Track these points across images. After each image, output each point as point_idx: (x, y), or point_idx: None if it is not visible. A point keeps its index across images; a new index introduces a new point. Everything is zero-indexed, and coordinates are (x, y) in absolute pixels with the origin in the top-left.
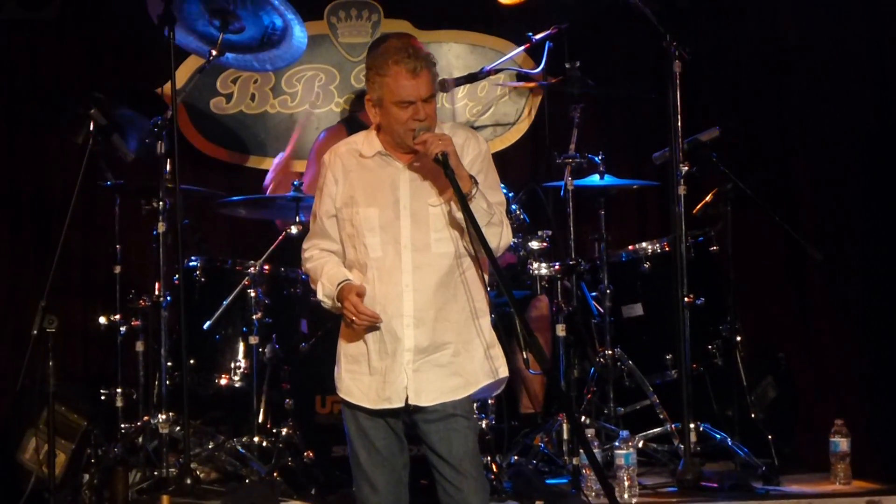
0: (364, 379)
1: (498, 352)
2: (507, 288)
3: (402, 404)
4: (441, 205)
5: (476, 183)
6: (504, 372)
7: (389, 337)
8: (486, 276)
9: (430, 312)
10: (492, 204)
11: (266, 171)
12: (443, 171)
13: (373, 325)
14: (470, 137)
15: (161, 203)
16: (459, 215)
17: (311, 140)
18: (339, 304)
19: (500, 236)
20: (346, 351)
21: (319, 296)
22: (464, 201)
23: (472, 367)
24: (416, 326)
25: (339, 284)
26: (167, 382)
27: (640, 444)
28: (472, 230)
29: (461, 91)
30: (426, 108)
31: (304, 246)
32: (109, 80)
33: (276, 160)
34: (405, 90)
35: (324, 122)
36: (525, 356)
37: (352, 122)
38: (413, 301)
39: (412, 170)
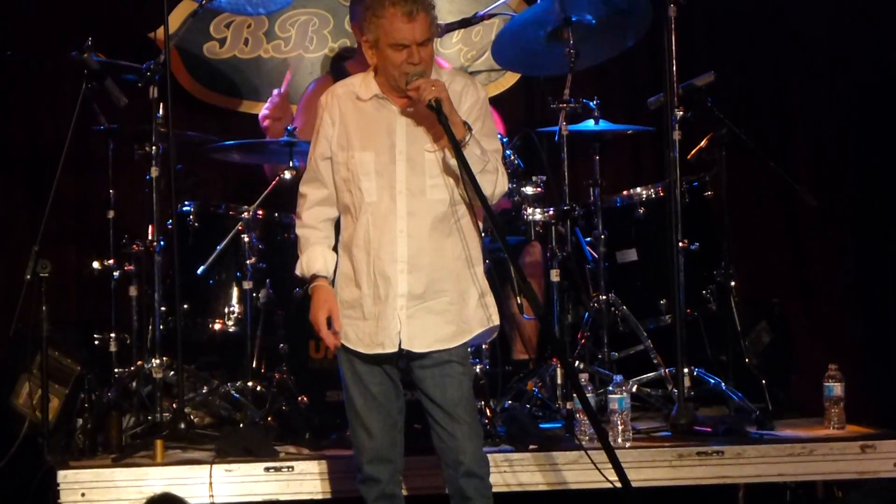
0: (359, 324)
1: (491, 300)
2: (501, 234)
3: (395, 349)
4: (437, 151)
5: (470, 129)
6: (496, 319)
7: (383, 282)
8: (480, 224)
9: (425, 258)
10: (486, 151)
11: (258, 116)
12: (431, 111)
13: (366, 271)
14: (469, 84)
15: (154, 148)
16: (454, 162)
17: (303, 84)
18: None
19: (494, 184)
20: (342, 296)
21: (297, 272)
22: (457, 148)
23: (467, 314)
24: (409, 272)
25: (312, 276)
26: (161, 327)
27: (634, 389)
28: (466, 177)
29: (455, 36)
30: (421, 51)
31: (301, 189)
32: (102, 25)
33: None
34: (400, 33)
35: (317, 67)
36: (519, 301)
37: (339, 71)
38: (407, 247)
39: (408, 115)
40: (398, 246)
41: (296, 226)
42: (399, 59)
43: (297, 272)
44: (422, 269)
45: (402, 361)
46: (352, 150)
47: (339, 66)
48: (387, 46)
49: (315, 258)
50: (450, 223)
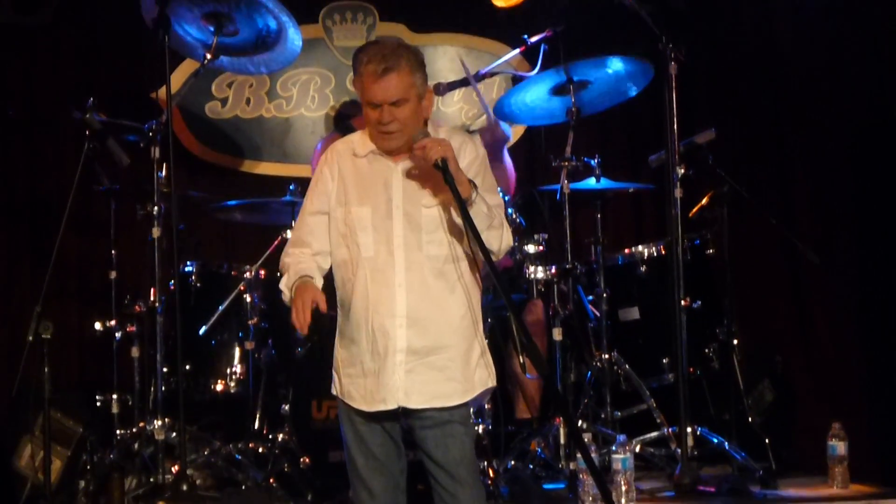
0: (360, 381)
1: (489, 359)
2: (505, 292)
3: (396, 405)
4: (435, 206)
5: (475, 187)
6: (494, 381)
7: (381, 336)
8: (480, 281)
9: (424, 313)
10: (491, 207)
11: (261, 176)
12: (438, 174)
13: (364, 326)
14: (466, 141)
15: (156, 208)
16: (457, 219)
17: (304, 143)
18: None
19: (501, 239)
20: (341, 355)
21: (281, 285)
22: (463, 208)
23: (468, 373)
24: (408, 327)
25: (301, 277)
26: (163, 388)
27: (637, 448)
28: (471, 235)
29: (456, 95)
30: (394, 112)
31: (286, 250)
32: (104, 85)
33: None
34: (371, 92)
35: (319, 126)
36: (522, 360)
37: (345, 129)
38: (406, 301)
39: (406, 169)
40: (396, 300)
41: (282, 259)
42: (373, 118)
43: (282, 286)
44: (421, 324)
45: (405, 421)
46: (349, 206)
47: (344, 124)
48: (365, 104)
49: (306, 267)
50: (452, 279)
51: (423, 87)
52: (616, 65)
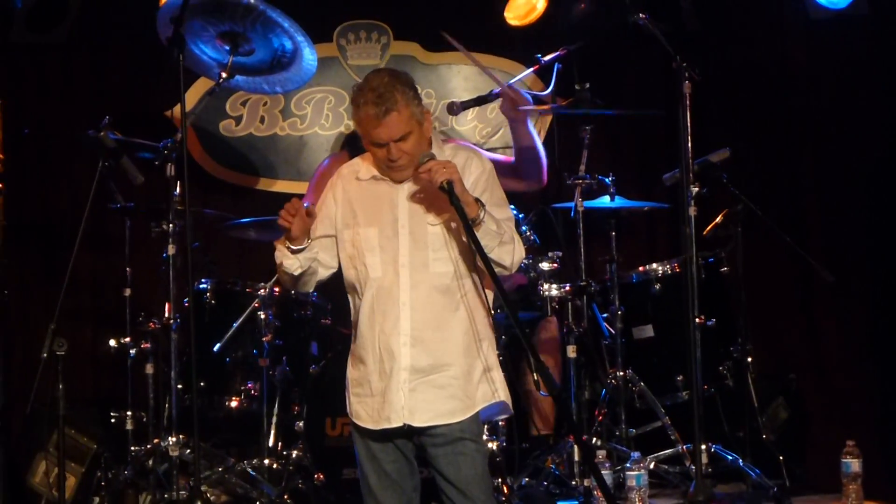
0: (368, 401)
1: (497, 375)
2: (513, 312)
3: (401, 423)
4: (440, 224)
5: (483, 206)
6: (502, 395)
7: (387, 355)
8: (490, 300)
9: (428, 331)
10: (500, 222)
11: (275, 194)
12: (444, 194)
13: (372, 346)
14: (471, 157)
15: (171, 225)
16: (463, 236)
17: (318, 161)
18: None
19: (512, 253)
20: (352, 375)
21: (277, 243)
22: (469, 229)
23: (471, 389)
24: (412, 345)
25: None
26: (177, 405)
27: (652, 466)
28: (480, 256)
29: (470, 113)
30: (401, 146)
31: None
32: (119, 103)
33: None
34: (375, 134)
35: (333, 145)
36: (535, 378)
37: (356, 149)
38: (410, 319)
39: (411, 188)
40: (401, 319)
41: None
42: (380, 155)
43: (277, 242)
44: (425, 343)
45: (417, 439)
46: (357, 227)
47: (357, 144)
48: (368, 143)
49: None
50: (456, 297)
51: (420, 112)
52: None
